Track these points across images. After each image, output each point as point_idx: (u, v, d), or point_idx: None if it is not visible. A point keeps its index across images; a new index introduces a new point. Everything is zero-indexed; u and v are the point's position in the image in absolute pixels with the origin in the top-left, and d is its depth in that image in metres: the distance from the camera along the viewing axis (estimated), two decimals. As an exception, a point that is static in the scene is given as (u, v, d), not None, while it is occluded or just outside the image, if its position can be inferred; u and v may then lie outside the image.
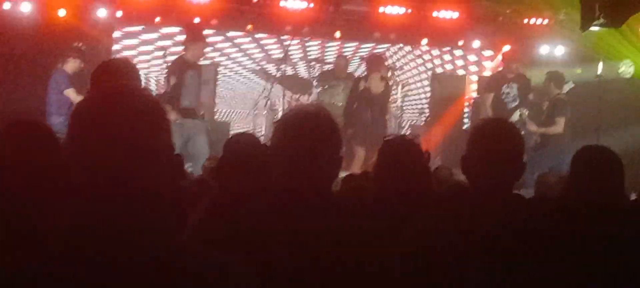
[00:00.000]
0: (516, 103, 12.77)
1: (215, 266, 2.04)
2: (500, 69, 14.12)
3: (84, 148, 1.97)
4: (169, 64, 12.41)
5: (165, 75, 12.41)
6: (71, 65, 11.87)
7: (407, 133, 15.50)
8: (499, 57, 16.08)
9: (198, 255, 2.04)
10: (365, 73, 13.29)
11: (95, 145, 1.95)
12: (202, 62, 12.80)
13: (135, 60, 15.25)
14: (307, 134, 3.02)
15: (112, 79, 4.37)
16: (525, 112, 12.63)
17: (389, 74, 14.19)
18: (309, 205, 2.99)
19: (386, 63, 13.94)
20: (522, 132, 4.19)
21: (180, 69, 11.83)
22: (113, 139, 1.95)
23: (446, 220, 3.55)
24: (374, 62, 12.95)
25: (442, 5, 14.80)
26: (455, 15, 14.90)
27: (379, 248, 3.00)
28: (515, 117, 12.49)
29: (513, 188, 3.70)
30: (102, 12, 14.33)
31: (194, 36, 12.12)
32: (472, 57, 17.20)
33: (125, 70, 4.66)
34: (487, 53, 16.85)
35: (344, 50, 16.36)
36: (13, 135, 3.19)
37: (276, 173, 3.11)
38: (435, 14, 14.88)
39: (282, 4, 14.45)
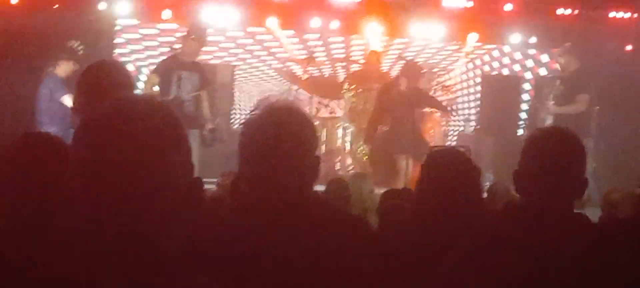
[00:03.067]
0: (554, 102, 12.73)
1: None
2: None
3: (92, 171, 1.95)
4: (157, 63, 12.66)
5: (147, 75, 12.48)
6: (63, 68, 11.81)
7: (455, 143, 15.43)
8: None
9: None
10: (399, 75, 13.27)
11: (105, 169, 1.93)
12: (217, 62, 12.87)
13: (141, 61, 15.45)
14: (274, 133, 3.02)
15: (102, 86, 4.36)
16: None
17: (432, 75, 14.26)
18: (284, 212, 2.99)
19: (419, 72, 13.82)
20: None
21: (169, 68, 12.01)
22: (126, 162, 1.93)
23: (494, 243, 3.53)
24: (411, 71, 12.96)
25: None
26: (509, 7, 14.85)
27: (415, 271, 2.98)
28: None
29: (574, 207, 3.67)
30: (103, 5, 14.44)
31: (190, 32, 12.17)
32: (528, 56, 17.14)
33: (117, 76, 4.63)
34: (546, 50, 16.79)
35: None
36: (25, 148, 3.23)
37: (245, 180, 3.12)
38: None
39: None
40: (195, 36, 12.03)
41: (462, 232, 3.76)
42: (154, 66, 12.66)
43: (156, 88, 11.69)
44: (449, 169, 4.19)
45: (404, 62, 13.81)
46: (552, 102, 12.66)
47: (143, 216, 1.95)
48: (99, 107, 2.03)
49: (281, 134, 3.01)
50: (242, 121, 3.24)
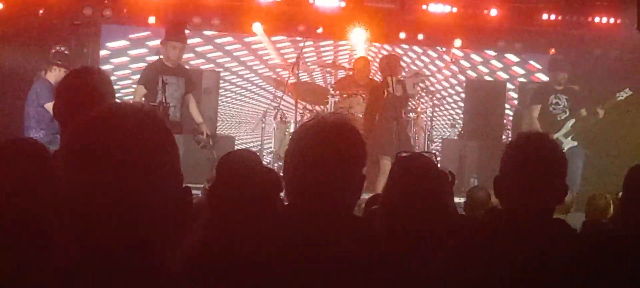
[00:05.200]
0: (567, 114, 12.82)
1: None
2: (547, 79, 14.15)
3: (83, 179, 1.94)
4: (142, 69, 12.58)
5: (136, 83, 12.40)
6: (55, 74, 11.71)
7: (433, 149, 15.39)
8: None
9: None
10: (382, 78, 13.22)
11: (96, 176, 1.93)
12: (203, 67, 12.76)
13: (127, 67, 15.39)
14: (327, 147, 2.97)
15: (82, 93, 4.35)
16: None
17: (417, 81, 14.21)
18: (326, 231, 2.93)
19: (404, 66, 13.80)
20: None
21: (154, 74, 11.94)
22: (117, 170, 1.93)
23: (474, 250, 3.52)
24: (390, 65, 12.90)
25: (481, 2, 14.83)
26: (493, 12, 14.88)
27: (398, 280, 2.96)
28: (566, 128, 12.56)
29: (554, 213, 3.68)
30: (87, 11, 14.36)
31: (170, 34, 12.11)
32: (513, 61, 17.15)
33: (97, 84, 4.61)
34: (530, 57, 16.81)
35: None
36: (6, 155, 3.23)
37: (289, 194, 3.07)
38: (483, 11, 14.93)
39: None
40: (174, 39, 12.00)
41: (428, 236, 3.77)
42: (139, 76, 12.52)
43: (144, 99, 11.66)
44: (415, 175, 4.18)
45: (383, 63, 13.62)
46: (566, 116, 12.79)
47: (135, 223, 1.95)
48: (90, 113, 2.02)
49: (331, 149, 2.97)
50: (295, 130, 3.18)
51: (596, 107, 12.76)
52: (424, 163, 4.31)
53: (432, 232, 3.87)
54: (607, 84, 13.78)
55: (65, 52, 12.09)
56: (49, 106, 11.22)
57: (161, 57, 12.20)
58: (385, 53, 15.50)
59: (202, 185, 9.05)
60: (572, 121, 12.69)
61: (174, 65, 11.93)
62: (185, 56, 13.13)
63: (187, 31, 13.20)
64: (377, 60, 14.98)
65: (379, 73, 13.50)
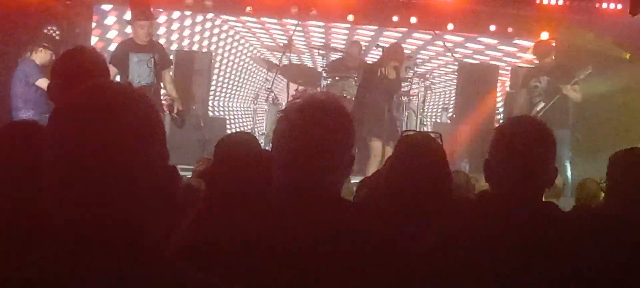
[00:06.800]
0: (541, 97, 12.83)
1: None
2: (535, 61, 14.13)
3: (67, 158, 1.93)
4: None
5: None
6: (41, 55, 11.74)
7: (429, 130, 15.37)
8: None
9: (183, 277, 2.04)
10: (378, 60, 13.17)
11: (80, 155, 1.92)
12: (194, 49, 12.68)
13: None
14: (315, 126, 2.95)
15: (77, 73, 4.38)
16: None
17: (409, 64, 14.18)
18: (312, 210, 2.92)
19: (404, 54, 13.71)
20: None
21: (124, 53, 11.91)
22: (101, 148, 1.92)
23: (461, 234, 3.54)
24: (393, 51, 12.86)
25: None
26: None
27: (386, 261, 2.96)
28: (534, 112, 12.57)
29: (543, 196, 3.70)
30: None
31: (135, 15, 12.04)
32: (506, 46, 17.15)
33: (93, 63, 4.64)
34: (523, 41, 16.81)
35: (356, 36, 16.30)
36: (9, 138, 3.23)
37: (276, 173, 3.05)
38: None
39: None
40: (140, 19, 11.91)
41: (429, 214, 3.79)
42: (110, 57, 12.41)
43: (117, 78, 11.56)
44: (420, 152, 4.21)
45: (382, 48, 13.56)
46: (540, 99, 12.78)
47: (120, 203, 1.94)
48: (74, 92, 2.02)
49: (320, 127, 2.94)
50: (282, 109, 3.16)
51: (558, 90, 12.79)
52: (429, 141, 4.34)
53: (434, 210, 3.89)
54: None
55: (56, 33, 12.07)
56: (41, 82, 11.23)
57: (131, 35, 12.13)
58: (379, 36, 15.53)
59: (191, 167, 9.05)
60: (542, 105, 12.71)
61: (144, 42, 11.86)
62: (175, 37, 13.05)
63: (160, 10, 13.08)
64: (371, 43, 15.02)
65: (383, 58, 13.37)
